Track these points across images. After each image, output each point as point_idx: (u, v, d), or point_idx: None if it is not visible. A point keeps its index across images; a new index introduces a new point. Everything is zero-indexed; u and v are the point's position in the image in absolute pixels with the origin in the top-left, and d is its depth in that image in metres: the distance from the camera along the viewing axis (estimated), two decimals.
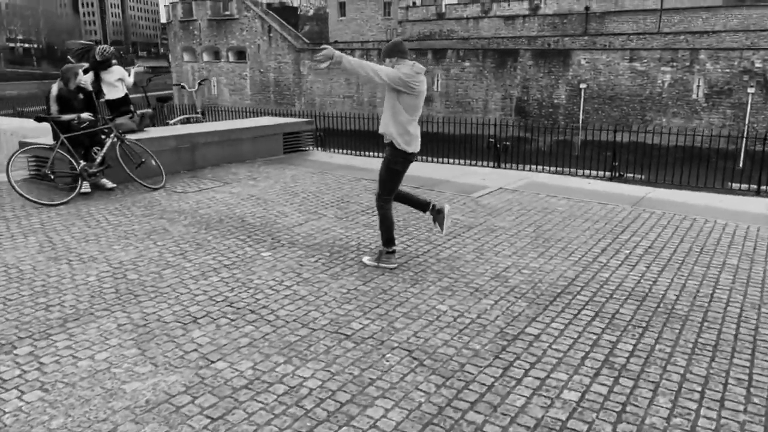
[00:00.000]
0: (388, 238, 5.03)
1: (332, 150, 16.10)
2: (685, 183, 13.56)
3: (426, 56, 42.32)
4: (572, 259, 5.40)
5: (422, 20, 62.47)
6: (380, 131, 4.94)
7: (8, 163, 6.46)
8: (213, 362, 3.46)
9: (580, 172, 13.50)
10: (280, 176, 8.49)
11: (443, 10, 61.65)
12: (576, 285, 4.78)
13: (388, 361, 3.53)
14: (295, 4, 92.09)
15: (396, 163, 4.93)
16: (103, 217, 6.27)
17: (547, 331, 3.97)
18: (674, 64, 33.49)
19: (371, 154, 15.05)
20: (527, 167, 13.64)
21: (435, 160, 14.18)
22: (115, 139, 7.31)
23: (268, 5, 63.24)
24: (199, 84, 10.86)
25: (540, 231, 6.22)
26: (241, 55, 50.22)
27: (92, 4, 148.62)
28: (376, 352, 3.63)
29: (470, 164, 14.20)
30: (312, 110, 42.74)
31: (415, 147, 4.92)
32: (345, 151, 16.82)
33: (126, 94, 9.83)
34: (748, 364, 3.60)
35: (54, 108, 7.00)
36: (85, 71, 9.03)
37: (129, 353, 3.53)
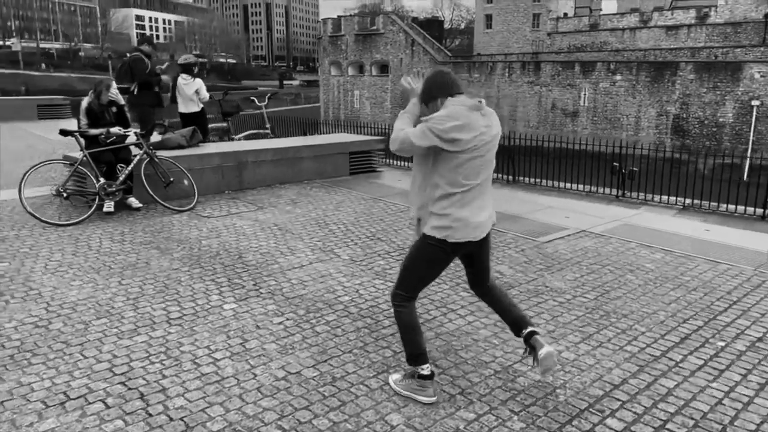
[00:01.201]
0: (413, 353, 3.17)
1: None
2: None
3: (573, 69, 39.74)
4: (630, 349, 3.82)
5: (573, 32, 59.11)
6: (411, 214, 3.25)
7: (22, 179, 6.18)
8: None
9: (723, 207, 11.07)
10: (324, 202, 7.56)
11: (597, 20, 57.84)
12: (615, 397, 3.26)
13: None
14: (445, 17, 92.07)
15: (428, 250, 3.07)
16: (99, 243, 5.72)
17: None
18: None
19: None
20: (657, 198, 11.47)
21: (537, 183, 12.45)
22: (145, 156, 6.83)
23: (414, 19, 63.65)
24: (269, 98, 10.35)
25: (604, 299, 4.64)
26: (383, 68, 50.78)
27: (260, 22, 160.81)
28: None
29: (586, 192, 12.26)
30: None
31: (463, 234, 3.01)
32: None
33: (202, 109, 9.55)
34: None
35: (84, 121, 6.67)
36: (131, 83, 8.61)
37: None
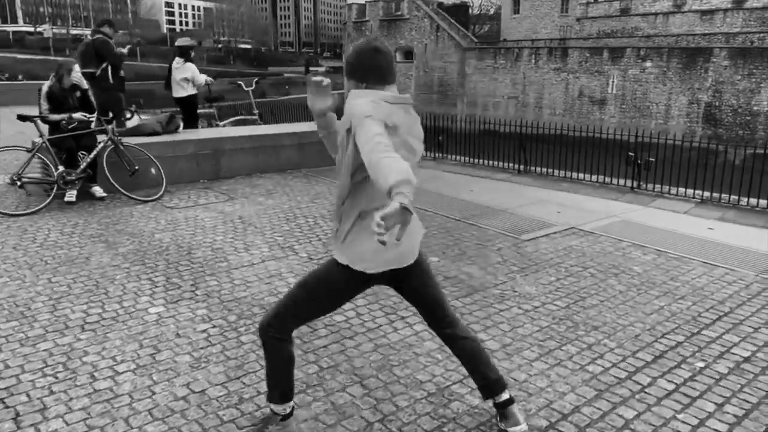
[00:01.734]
0: (284, 391, 2.59)
1: (448, 157, 14.32)
2: None
3: (601, 55, 38.57)
4: (592, 369, 3.33)
5: (603, 17, 57.35)
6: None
7: None
8: None
9: (744, 200, 10.37)
10: (302, 193, 7.14)
11: (629, 5, 56.02)
12: (559, 430, 2.79)
13: None
14: (474, 3, 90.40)
15: (339, 278, 2.40)
16: (46, 235, 5.41)
17: None
18: None
19: (489, 163, 12.90)
20: (674, 190, 10.80)
21: (550, 173, 11.81)
22: (109, 143, 6.50)
23: (439, 4, 62.39)
24: (256, 83, 9.95)
25: (576, 308, 4.14)
26: (408, 54, 50.07)
27: (289, 8, 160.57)
28: None
29: (600, 183, 11.56)
30: (474, 112, 41.10)
31: (378, 262, 2.35)
32: (462, 159, 14.83)
33: (195, 94, 9.23)
34: None
35: (45, 107, 6.35)
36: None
37: None
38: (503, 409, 2.70)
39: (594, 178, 11.90)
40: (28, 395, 2.98)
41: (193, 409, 2.90)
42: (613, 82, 37.87)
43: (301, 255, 5.05)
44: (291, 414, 2.63)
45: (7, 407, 2.88)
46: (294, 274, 4.63)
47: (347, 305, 4.05)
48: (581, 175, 12.29)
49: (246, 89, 9.56)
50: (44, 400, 2.94)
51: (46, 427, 2.73)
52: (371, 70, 2.34)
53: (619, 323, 3.91)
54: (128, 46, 8.39)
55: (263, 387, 3.08)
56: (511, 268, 4.87)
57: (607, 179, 12.40)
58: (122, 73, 7.99)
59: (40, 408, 2.88)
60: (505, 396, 2.69)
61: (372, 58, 2.34)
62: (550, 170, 12.10)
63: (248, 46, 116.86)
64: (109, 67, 7.72)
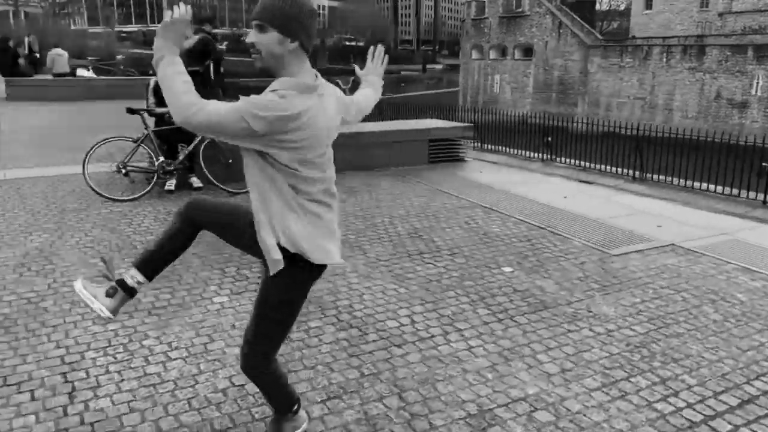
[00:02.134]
0: (289, 403, 2.49)
1: (558, 160, 13.65)
2: None
3: (744, 54, 35.35)
4: (661, 408, 2.98)
5: (751, 11, 52.40)
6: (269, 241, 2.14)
7: (86, 155, 6.39)
8: None
9: None
10: (384, 191, 7.09)
11: None
12: None
13: None
14: None
15: (288, 289, 2.21)
16: (141, 220, 5.76)
17: None
18: None
19: (602, 167, 12.15)
20: None
21: (668, 181, 10.90)
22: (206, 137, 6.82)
23: (563, 0, 59.98)
24: (353, 81, 9.96)
25: (657, 335, 3.74)
26: (527, 52, 48.87)
27: (410, 6, 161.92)
28: None
29: (725, 195, 10.53)
30: (596, 112, 39.23)
31: (322, 253, 2.18)
32: (573, 162, 13.97)
33: None
34: None
35: (151, 100, 6.80)
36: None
37: None
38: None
39: (720, 189, 10.80)
40: (86, 372, 3.15)
41: (228, 403, 2.92)
42: (757, 83, 34.52)
43: (368, 255, 4.99)
44: (298, 410, 2.53)
45: (67, 381, 3.06)
46: (357, 274, 4.58)
47: (403, 311, 3.96)
48: (705, 185, 11.23)
49: (343, 87, 9.69)
50: (99, 379, 3.10)
51: (94, 405, 2.87)
52: (311, 34, 2.03)
53: (706, 357, 3.48)
54: (225, 43, 8.76)
55: (301, 388, 3.06)
56: (591, 286, 4.51)
57: (735, 191, 11.24)
58: (222, 69, 8.34)
59: (93, 386, 3.03)
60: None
61: (313, 22, 2.00)
62: (669, 178, 11.17)
63: (362, 44, 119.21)
64: (212, 64, 8.08)
